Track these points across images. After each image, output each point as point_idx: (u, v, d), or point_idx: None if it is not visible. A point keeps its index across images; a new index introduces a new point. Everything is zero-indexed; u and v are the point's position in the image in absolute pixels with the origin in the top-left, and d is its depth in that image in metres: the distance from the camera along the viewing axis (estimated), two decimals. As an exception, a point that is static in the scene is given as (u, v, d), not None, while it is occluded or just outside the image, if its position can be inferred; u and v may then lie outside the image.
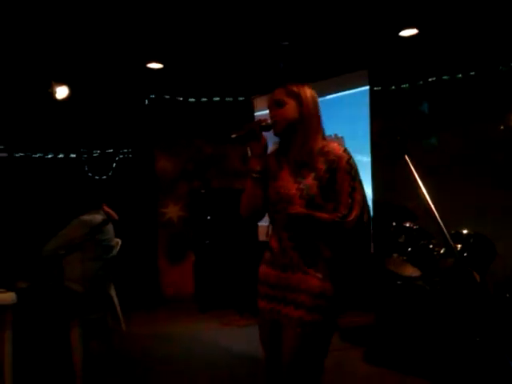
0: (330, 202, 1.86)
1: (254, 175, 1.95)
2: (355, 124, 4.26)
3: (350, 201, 1.83)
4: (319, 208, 1.85)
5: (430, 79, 5.21)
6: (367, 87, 4.13)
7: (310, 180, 1.86)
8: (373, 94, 4.17)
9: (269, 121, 1.94)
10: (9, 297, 2.92)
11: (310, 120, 1.91)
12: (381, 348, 3.80)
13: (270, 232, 2.04)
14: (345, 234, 1.85)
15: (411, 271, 3.64)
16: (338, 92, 4.41)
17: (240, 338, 4.39)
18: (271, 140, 2.03)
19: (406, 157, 1.86)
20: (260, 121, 1.96)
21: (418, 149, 5.11)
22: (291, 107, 1.91)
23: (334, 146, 1.91)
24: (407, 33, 4.45)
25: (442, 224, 1.72)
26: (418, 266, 3.60)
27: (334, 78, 4.47)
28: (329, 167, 1.86)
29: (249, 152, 1.96)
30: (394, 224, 3.90)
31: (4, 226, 5.17)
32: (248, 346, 3.93)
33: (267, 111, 2.01)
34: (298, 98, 1.91)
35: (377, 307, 4.10)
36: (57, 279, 3.48)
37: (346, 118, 4.34)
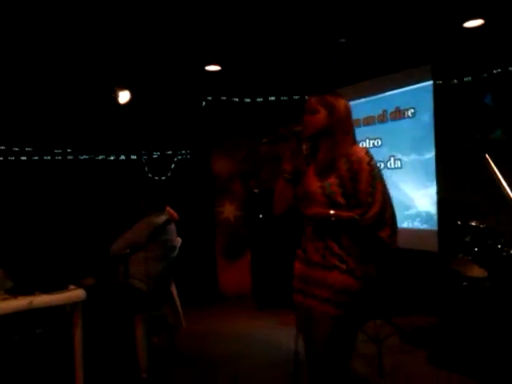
0: (351, 200, 1.99)
1: (286, 175, 2.15)
2: (417, 120, 4.14)
3: (369, 200, 1.95)
4: (339, 205, 1.99)
5: (494, 71, 5.00)
6: (430, 82, 3.99)
7: (331, 179, 2.02)
8: (435, 89, 4.03)
9: (299, 127, 2.11)
10: (79, 294, 3.05)
11: (337, 130, 2.06)
12: (445, 350, 3.68)
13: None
14: (364, 230, 1.96)
15: (478, 272, 3.50)
16: (398, 88, 4.30)
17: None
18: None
19: (487, 155, 1.80)
20: (291, 127, 2.13)
21: (483, 142, 4.93)
22: (322, 116, 2.07)
23: (357, 149, 2.07)
24: (472, 24, 4.27)
25: None
26: (486, 267, 3.46)
27: (394, 73, 4.36)
28: (350, 167, 2.00)
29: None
30: (458, 223, 3.76)
31: (71, 226, 5.42)
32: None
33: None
34: (330, 108, 2.07)
35: (441, 309, 3.97)
36: (122, 277, 3.60)
37: (408, 115, 4.22)
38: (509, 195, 1.72)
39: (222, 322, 5.11)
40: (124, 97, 4.78)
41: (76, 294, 3.05)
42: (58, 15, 3.84)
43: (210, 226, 6.22)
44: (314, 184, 2.06)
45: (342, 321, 1.99)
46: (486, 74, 5.08)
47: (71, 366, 3.08)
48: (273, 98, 6.15)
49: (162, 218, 3.65)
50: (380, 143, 4.48)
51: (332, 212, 1.97)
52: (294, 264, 2.22)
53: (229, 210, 6.28)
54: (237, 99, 6.18)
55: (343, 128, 2.07)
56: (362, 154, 2.02)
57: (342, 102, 2.09)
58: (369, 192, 1.96)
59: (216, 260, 6.24)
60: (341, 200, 1.99)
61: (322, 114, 2.07)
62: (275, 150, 6.03)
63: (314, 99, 2.11)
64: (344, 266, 1.99)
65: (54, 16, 3.86)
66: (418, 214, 4.16)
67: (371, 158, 2.02)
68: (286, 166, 2.15)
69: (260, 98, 6.15)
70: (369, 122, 4.57)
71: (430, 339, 4.03)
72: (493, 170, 1.75)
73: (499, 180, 1.75)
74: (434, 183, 3.93)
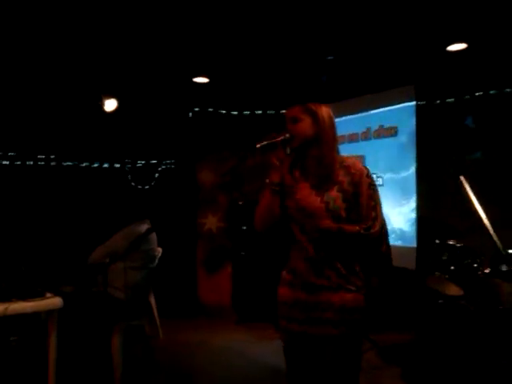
0: (351, 213, 1.90)
1: (274, 187, 1.97)
2: (399, 139, 4.22)
3: (373, 214, 1.89)
4: (343, 220, 1.89)
5: (476, 94, 5.12)
6: (413, 102, 4.08)
7: (333, 192, 1.90)
8: (418, 109, 4.13)
9: (287, 135, 1.97)
10: (56, 301, 3.03)
11: (325, 137, 1.95)
12: (419, 368, 3.71)
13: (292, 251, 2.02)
14: (369, 245, 1.90)
15: (454, 290, 3.54)
16: (382, 107, 4.39)
17: (277, 351, 4.37)
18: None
19: (462, 177, 1.84)
20: (280, 135, 1.98)
21: (459, 164, 5.02)
22: (307, 124, 1.96)
23: (354, 160, 1.99)
24: (455, 47, 4.38)
25: (499, 244, 1.70)
26: (461, 286, 3.50)
27: (379, 92, 4.45)
28: (351, 180, 1.90)
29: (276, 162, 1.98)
30: (436, 241, 3.82)
31: (52, 232, 5.37)
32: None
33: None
34: (314, 115, 1.96)
35: (416, 326, 4.00)
36: (101, 286, 3.58)
37: (391, 134, 4.30)
38: (481, 217, 1.77)
39: (200, 333, 5.08)
40: (110, 105, 4.78)
41: (53, 301, 3.03)
42: (47, 21, 3.85)
43: (191, 236, 6.21)
44: (313, 198, 1.93)
45: (356, 339, 1.92)
46: (468, 97, 5.20)
47: (44, 375, 3.04)
48: (260, 112, 6.20)
49: (144, 227, 3.64)
50: (363, 161, 4.55)
51: (339, 226, 1.87)
52: (278, 289, 2.04)
53: (211, 222, 6.28)
54: (224, 111, 6.22)
55: (330, 135, 1.97)
56: (360, 165, 1.96)
57: (324, 110, 1.99)
58: (371, 206, 1.90)
59: (196, 271, 6.22)
60: (344, 214, 1.90)
61: (307, 121, 1.96)
62: (260, 162, 6.08)
63: (295, 107, 2.00)
64: (351, 287, 1.90)
65: (42, 22, 3.86)
66: (392, 231, 4.23)
67: (368, 170, 1.95)
68: (274, 177, 1.97)
69: (247, 111, 6.20)
70: (353, 139, 4.64)
71: (405, 356, 4.06)
72: (467, 191, 1.79)
73: (473, 202, 1.80)
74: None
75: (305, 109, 1.97)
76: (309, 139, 1.96)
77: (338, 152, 2.01)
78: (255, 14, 3.83)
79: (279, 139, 1.95)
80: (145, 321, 3.93)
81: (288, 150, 1.99)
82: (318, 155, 1.95)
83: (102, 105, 4.74)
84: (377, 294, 2.00)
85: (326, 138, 1.95)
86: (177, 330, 5.03)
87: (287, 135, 1.96)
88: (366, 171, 1.93)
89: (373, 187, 1.93)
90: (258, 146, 1.95)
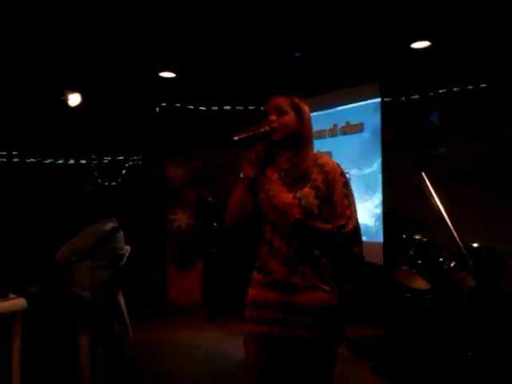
0: (325, 212, 1.85)
1: (248, 182, 1.89)
2: (365, 135, 4.28)
3: (347, 213, 1.83)
4: (315, 217, 1.83)
5: (440, 91, 5.24)
6: (378, 99, 4.15)
7: (306, 189, 1.85)
8: (383, 105, 4.19)
9: (267, 127, 1.88)
10: (20, 303, 2.94)
11: (306, 135, 1.93)
12: (389, 361, 3.78)
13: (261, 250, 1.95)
14: (342, 244, 1.84)
15: (421, 284, 3.61)
16: (348, 103, 4.44)
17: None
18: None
19: (423, 174, 1.87)
20: (259, 127, 1.88)
21: (420, 160, 5.13)
22: (292, 118, 1.91)
23: (327, 158, 1.98)
24: (419, 45, 4.46)
25: (458, 239, 1.73)
26: (428, 279, 3.58)
27: (345, 89, 4.50)
28: (324, 178, 1.85)
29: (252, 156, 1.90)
30: (403, 236, 3.89)
31: (16, 231, 5.22)
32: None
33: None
34: (298, 111, 1.93)
35: (386, 320, 4.08)
36: (67, 285, 3.50)
37: (357, 130, 4.36)
38: (441, 212, 1.81)
39: (170, 332, 5.05)
40: (74, 99, 4.67)
41: (16, 303, 2.93)
42: (6, 12, 3.73)
43: (161, 234, 6.14)
44: (284, 195, 1.87)
45: (330, 341, 1.87)
46: (432, 93, 5.32)
47: (8, 380, 2.95)
48: (228, 108, 6.18)
49: (109, 226, 3.58)
50: (330, 157, 4.60)
51: (312, 222, 1.81)
52: (248, 291, 1.94)
53: (181, 219, 6.23)
54: (192, 107, 6.17)
55: (310, 134, 1.95)
56: (334, 163, 1.91)
57: (305, 107, 1.96)
58: (346, 205, 1.84)
59: (166, 269, 6.16)
60: (317, 212, 1.84)
61: (291, 115, 1.90)
62: (230, 158, 6.08)
63: (281, 98, 1.93)
64: (325, 287, 1.84)
65: (2, 14, 3.74)
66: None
67: (342, 169, 1.90)
68: (248, 172, 1.89)
69: (215, 106, 6.17)
70: (320, 135, 4.68)
71: (375, 349, 4.14)
72: (428, 187, 1.83)
73: (433, 197, 1.84)
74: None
75: (290, 102, 1.93)
76: (292, 134, 1.90)
77: (312, 150, 1.97)
78: (223, 9, 3.80)
79: (259, 132, 1.86)
80: (114, 320, 3.86)
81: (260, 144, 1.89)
82: (295, 152, 1.90)
83: (65, 100, 4.63)
84: (352, 299, 1.92)
85: (306, 136, 1.93)
86: (147, 328, 4.98)
87: (267, 128, 1.87)
88: (339, 170, 1.89)
89: (347, 186, 1.88)
90: (235, 138, 1.84)
